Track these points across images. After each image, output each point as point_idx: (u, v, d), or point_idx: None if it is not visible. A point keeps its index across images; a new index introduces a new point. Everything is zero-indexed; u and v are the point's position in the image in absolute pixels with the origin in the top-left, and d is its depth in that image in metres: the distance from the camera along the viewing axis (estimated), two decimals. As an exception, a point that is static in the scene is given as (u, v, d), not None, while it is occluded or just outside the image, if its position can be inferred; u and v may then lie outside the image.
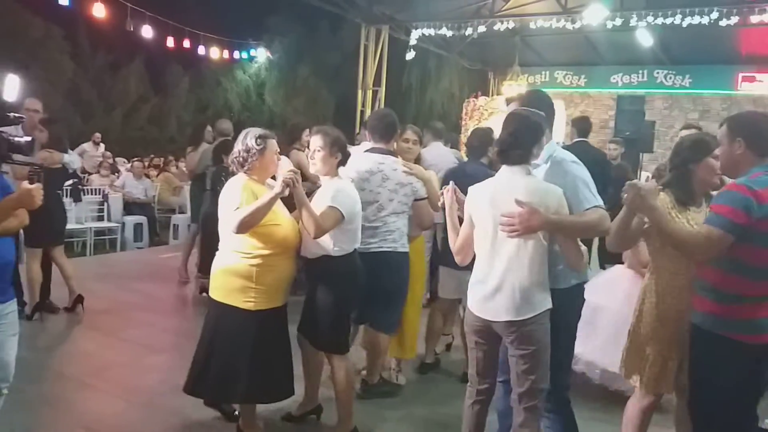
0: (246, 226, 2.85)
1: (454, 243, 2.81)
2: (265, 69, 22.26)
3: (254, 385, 3.02)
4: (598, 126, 15.44)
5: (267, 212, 2.86)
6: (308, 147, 3.94)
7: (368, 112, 13.08)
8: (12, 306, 2.60)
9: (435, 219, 3.92)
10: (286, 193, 2.84)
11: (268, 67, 22.13)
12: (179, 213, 9.99)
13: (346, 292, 3.22)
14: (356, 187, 3.38)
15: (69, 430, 3.31)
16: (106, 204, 8.75)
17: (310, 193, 3.24)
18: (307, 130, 5.58)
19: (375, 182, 3.61)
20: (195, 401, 3.31)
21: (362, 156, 3.71)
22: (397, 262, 3.70)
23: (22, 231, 4.78)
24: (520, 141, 2.54)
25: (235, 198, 2.89)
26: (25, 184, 2.46)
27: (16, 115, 2.58)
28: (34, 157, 4.14)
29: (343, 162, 3.24)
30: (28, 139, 2.62)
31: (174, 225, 9.43)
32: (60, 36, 17.07)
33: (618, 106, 13.39)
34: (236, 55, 17.89)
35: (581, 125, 6.27)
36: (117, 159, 12.47)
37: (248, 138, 3.00)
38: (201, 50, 14.99)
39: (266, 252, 2.96)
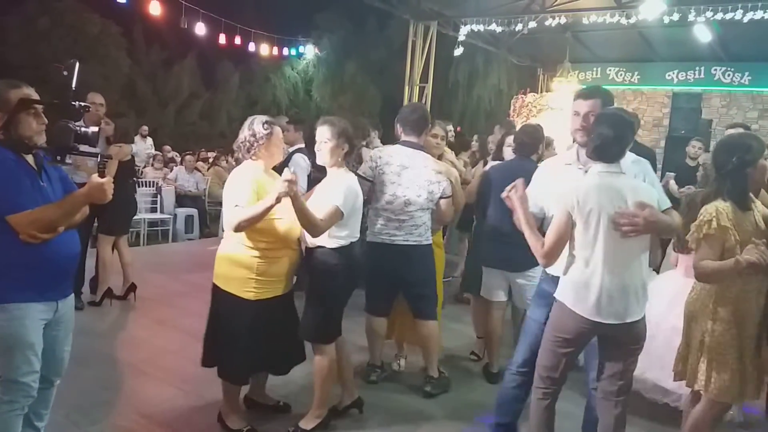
0: (242, 228, 2.92)
1: (537, 244, 2.62)
2: (313, 65, 22.50)
3: (251, 362, 3.18)
4: (651, 124, 15.04)
5: (263, 217, 2.88)
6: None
7: (415, 108, 13.05)
8: (71, 301, 2.59)
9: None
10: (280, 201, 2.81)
11: (316, 64, 22.36)
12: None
13: (338, 284, 3.18)
14: (387, 181, 3.54)
15: (123, 414, 3.42)
16: (159, 196, 9.01)
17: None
18: (376, 131, 5.75)
19: (405, 177, 3.65)
20: (241, 390, 3.38)
21: (395, 149, 3.75)
22: (421, 254, 3.79)
23: (96, 219, 5.09)
24: (619, 138, 2.55)
25: (240, 194, 2.92)
26: (95, 178, 2.41)
27: (82, 103, 2.45)
28: (100, 149, 4.23)
29: (349, 153, 3.22)
30: (95, 129, 2.56)
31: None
32: (117, 33, 17.65)
33: (673, 104, 13.03)
34: (285, 51, 18.13)
35: None
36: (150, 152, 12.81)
37: (255, 124, 3.03)
38: (251, 47, 15.24)
39: (268, 245, 2.99)
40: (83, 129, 2.46)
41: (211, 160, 12.44)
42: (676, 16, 10.55)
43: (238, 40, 14.44)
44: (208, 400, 3.62)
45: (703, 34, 11.79)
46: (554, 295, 2.69)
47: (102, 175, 2.43)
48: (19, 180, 2.32)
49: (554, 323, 2.69)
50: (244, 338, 3.07)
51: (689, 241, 2.77)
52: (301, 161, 4.95)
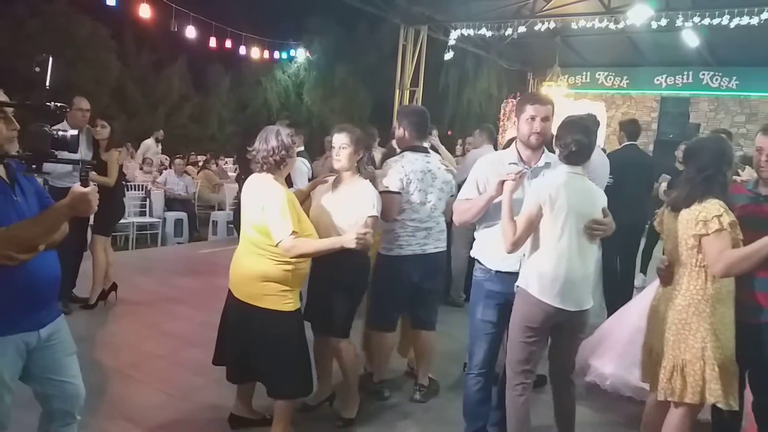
0: (298, 256, 2.87)
1: (511, 230, 2.76)
2: (303, 69, 22.49)
3: (301, 381, 3.08)
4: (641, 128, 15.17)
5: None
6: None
7: (405, 112, 13.08)
8: (61, 323, 2.31)
9: None
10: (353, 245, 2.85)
11: (307, 67, 22.35)
12: (218, 210, 10.17)
13: (362, 281, 3.43)
14: (414, 189, 3.54)
15: (110, 419, 3.40)
16: (148, 200, 8.98)
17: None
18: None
19: (427, 182, 3.62)
20: (231, 396, 3.37)
21: (414, 156, 3.67)
22: (444, 261, 3.85)
23: (92, 218, 5.09)
24: (590, 145, 2.78)
25: (285, 215, 2.83)
26: (78, 188, 2.11)
27: (59, 104, 2.15)
28: (83, 154, 4.05)
29: (361, 160, 3.33)
30: (74, 132, 2.24)
31: (213, 221, 9.62)
32: (107, 35, 17.56)
33: (661, 108, 13.15)
34: (276, 55, 18.12)
35: (630, 128, 6.11)
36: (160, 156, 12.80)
37: (283, 136, 2.93)
38: (242, 50, 15.23)
39: (299, 259, 2.96)
40: (60, 132, 2.18)
41: (201, 164, 12.41)
42: (664, 22, 10.68)
43: (228, 44, 14.42)
44: (197, 405, 3.61)
45: (690, 39, 11.92)
46: (518, 285, 2.84)
47: (85, 184, 2.13)
48: None
49: (521, 315, 2.83)
50: (294, 349, 3.02)
51: (690, 242, 2.68)
52: (302, 166, 4.98)
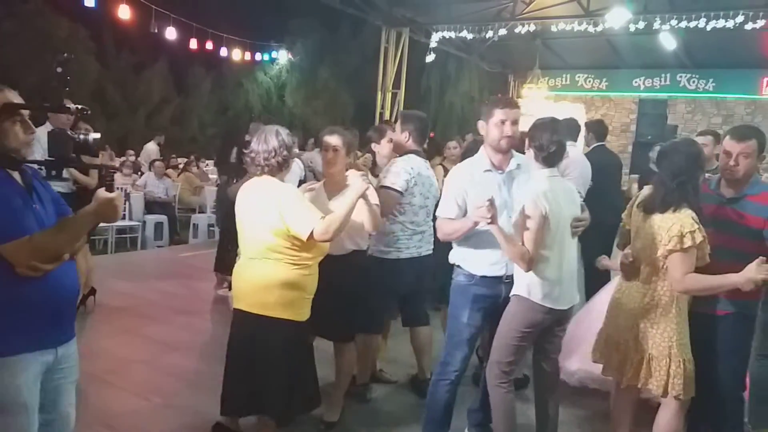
0: (334, 233, 2.75)
1: (519, 251, 2.74)
2: (285, 71, 22.43)
3: (309, 394, 2.99)
4: (619, 130, 15.32)
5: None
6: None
7: (387, 114, 13.09)
8: (74, 345, 2.17)
9: None
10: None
11: (289, 69, 22.30)
12: (199, 212, 10.10)
13: (369, 283, 3.47)
14: (417, 192, 3.60)
15: (88, 426, 3.36)
16: (127, 203, 8.88)
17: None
18: (453, 142, 6.01)
19: (426, 187, 3.70)
20: (213, 401, 3.34)
21: (417, 160, 3.72)
22: (432, 262, 3.88)
23: None
24: (564, 145, 2.85)
25: (307, 205, 2.79)
26: (103, 193, 2.00)
27: (79, 106, 2.09)
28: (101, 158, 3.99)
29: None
30: (96, 135, 2.13)
31: (194, 224, 9.55)
32: (85, 37, 17.36)
33: (640, 110, 13.30)
34: (257, 57, 18.06)
35: (599, 129, 6.14)
36: (139, 159, 12.69)
37: (283, 135, 2.83)
38: (223, 52, 15.16)
39: (314, 259, 2.87)
40: (82, 136, 2.09)
41: (181, 166, 12.32)
42: (641, 24, 10.79)
43: (209, 45, 14.34)
44: (178, 410, 3.59)
45: (668, 41, 12.08)
46: (517, 293, 2.88)
47: (110, 189, 2.02)
48: (10, 201, 1.92)
49: (519, 320, 2.88)
50: (308, 362, 2.96)
51: (660, 251, 2.72)
52: (295, 167, 5.01)
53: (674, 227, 2.66)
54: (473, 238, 2.95)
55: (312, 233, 2.67)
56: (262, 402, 2.85)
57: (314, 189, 3.41)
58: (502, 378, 2.96)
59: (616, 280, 3.90)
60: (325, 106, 21.09)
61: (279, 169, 2.82)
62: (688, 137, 3.29)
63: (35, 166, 2.09)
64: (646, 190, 2.96)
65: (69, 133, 2.08)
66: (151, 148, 13.12)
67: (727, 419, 3.09)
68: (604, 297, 4.08)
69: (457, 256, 3.09)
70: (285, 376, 2.82)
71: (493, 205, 2.67)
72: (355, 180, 2.93)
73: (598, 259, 3.39)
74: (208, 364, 4.52)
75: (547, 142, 2.79)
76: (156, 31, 12.27)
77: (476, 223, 2.80)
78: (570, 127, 5.31)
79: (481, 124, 3.01)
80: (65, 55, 2.07)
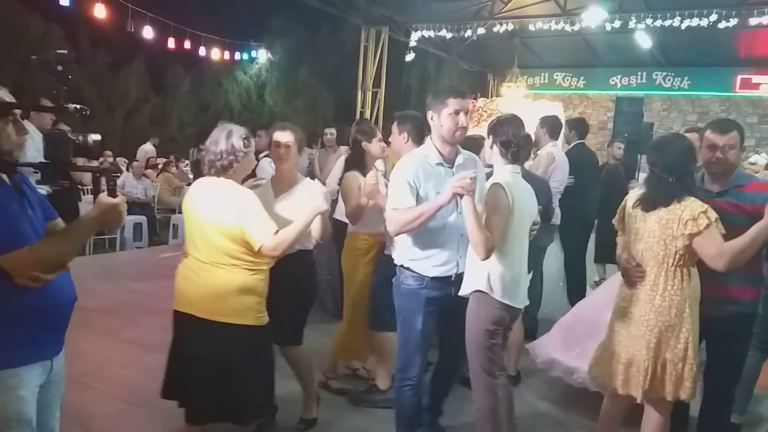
0: (282, 251, 2.66)
1: (483, 236, 2.64)
2: (265, 70, 22.32)
3: (268, 399, 2.97)
4: (597, 127, 15.50)
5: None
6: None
7: (368, 113, 13.11)
8: (63, 356, 2.10)
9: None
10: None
11: (269, 68, 22.19)
12: (179, 213, 10.02)
13: (312, 284, 3.43)
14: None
15: (65, 429, 3.30)
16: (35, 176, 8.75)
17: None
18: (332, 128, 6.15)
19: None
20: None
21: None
22: None
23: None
24: (531, 141, 2.89)
25: (264, 215, 2.66)
26: (106, 198, 1.90)
27: (78, 106, 1.99)
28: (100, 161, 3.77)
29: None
30: (96, 137, 2.02)
31: (173, 225, 9.47)
32: (60, 36, 17.12)
33: (617, 108, 13.49)
34: (237, 56, 17.92)
35: (581, 127, 6.21)
36: (117, 159, 12.56)
37: (234, 138, 2.69)
38: (202, 51, 15.05)
39: (269, 263, 2.77)
40: (81, 138, 1.97)
41: (160, 167, 12.21)
42: (617, 23, 10.95)
43: (187, 44, 14.22)
44: (157, 412, 3.56)
45: (643, 40, 12.26)
46: (478, 289, 2.78)
47: (113, 194, 1.92)
48: (7, 208, 1.81)
49: (484, 319, 2.80)
50: (269, 365, 2.88)
51: (680, 243, 2.65)
52: (267, 166, 4.98)
53: (685, 214, 2.61)
54: (424, 238, 2.85)
55: (261, 247, 2.59)
56: (229, 409, 2.73)
57: (260, 185, 3.26)
58: (496, 378, 2.89)
59: (612, 281, 3.90)
60: (306, 105, 21.03)
61: (224, 171, 2.68)
62: (677, 132, 3.27)
63: (29, 169, 1.95)
64: (635, 192, 2.91)
65: (69, 135, 1.95)
66: (148, 148, 13.02)
67: (717, 414, 3.11)
68: (602, 294, 4.07)
69: (404, 257, 2.94)
70: (248, 382, 2.71)
71: (474, 181, 2.61)
72: (318, 197, 2.84)
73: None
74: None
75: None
76: (132, 30, 12.14)
77: (441, 206, 2.70)
78: (553, 126, 5.38)
79: (430, 114, 2.88)
80: (65, 51, 1.97)
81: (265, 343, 2.83)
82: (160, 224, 9.93)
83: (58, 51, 1.98)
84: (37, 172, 1.95)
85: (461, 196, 2.61)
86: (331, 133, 6.78)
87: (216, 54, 15.82)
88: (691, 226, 2.58)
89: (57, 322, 1.99)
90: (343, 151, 5.48)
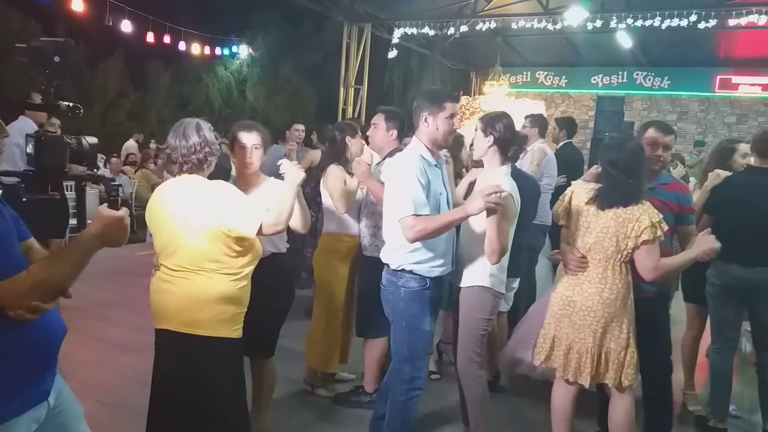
0: (289, 219, 2.53)
1: (502, 247, 2.79)
2: (247, 66, 22.13)
3: (245, 417, 2.71)
4: (579, 126, 15.57)
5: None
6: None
7: (350, 110, 13.05)
8: (59, 380, 1.86)
9: None
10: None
11: (250, 64, 22.01)
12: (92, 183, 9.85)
13: (292, 288, 3.33)
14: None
15: (37, 430, 3.26)
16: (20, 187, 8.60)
17: None
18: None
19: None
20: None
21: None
22: None
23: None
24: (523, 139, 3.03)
25: (249, 200, 2.55)
26: (107, 211, 1.67)
27: (70, 104, 1.78)
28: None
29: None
30: (93, 140, 1.80)
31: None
32: (38, 30, 16.81)
33: (598, 107, 13.47)
34: (218, 51, 17.78)
35: (571, 126, 6.24)
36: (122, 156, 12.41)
37: (205, 130, 2.49)
38: (182, 46, 14.89)
39: (250, 268, 2.56)
40: (73, 140, 1.72)
41: (138, 163, 12.04)
42: (599, 23, 11.02)
43: (167, 39, 14.06)
44: (131, 412, 3.48)
45: (624, 40, 12.35)
46: (478, 284, 2.95)
47: (115, 206, 1.69)
48: (5, 226, 1.55)
49: (482, 310, 2.99)
50: (241, 384, 2.62)
51: (631, 243, 2.78)
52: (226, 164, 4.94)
53: (643, 218, 2.75)
54: (431, 240, 2.81)
55: (261, 227, 2.40)
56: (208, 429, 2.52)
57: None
58: (479, 369, 3.04)
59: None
60: (287, 102, 20.90)
61: (200, 166, 2.47)
62: (627, 132, 3.40)
63: (12, 179, 1.70)
64: (581, 187, 3.03)
65: (66, 139, 1.69)
66: (130, 144, 12.86)
67: (660, 383, 3.33)
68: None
69: (406, 260, 2.85)
70: (227, 399, 2.54)
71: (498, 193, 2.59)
72: (290, 169, 2.59)
73: (551, 254, 3.48)
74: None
75: (515, 136, 2.94)
76: (111, 23, 11.96)
77: (469, 216, 2.67)
78: (543, 124, 5.41)
79: (424, 115, 2.82)
80: (65, 39, 1.71)
81: (240, 358, 2.64)
82: (138, 221, 9.77)
83: (54, 39, 1.72)
84: (20, 184, 1.68)
85: (494, 211, 2.58)
86: (301, 129, 6.64)
87: (196, 49, 15.68)
88: (648, 233, 2.74)
89: (49, 359, 1.71)
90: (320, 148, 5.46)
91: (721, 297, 3.68)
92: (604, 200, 2.87)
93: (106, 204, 1.68)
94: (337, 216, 3.74)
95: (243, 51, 20.33)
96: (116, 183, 1.79)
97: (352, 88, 13.27)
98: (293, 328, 3.39)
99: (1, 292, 1.49)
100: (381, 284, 2.98)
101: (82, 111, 1.79)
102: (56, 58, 1.71)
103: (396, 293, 2.88)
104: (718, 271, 3.64)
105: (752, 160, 3.74)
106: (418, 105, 2.88)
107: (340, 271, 3.78)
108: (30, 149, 1.71)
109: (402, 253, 2.85)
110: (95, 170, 2.02)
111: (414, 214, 2.69)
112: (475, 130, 3.01)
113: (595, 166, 3.25)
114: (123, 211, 1.70)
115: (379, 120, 3.66)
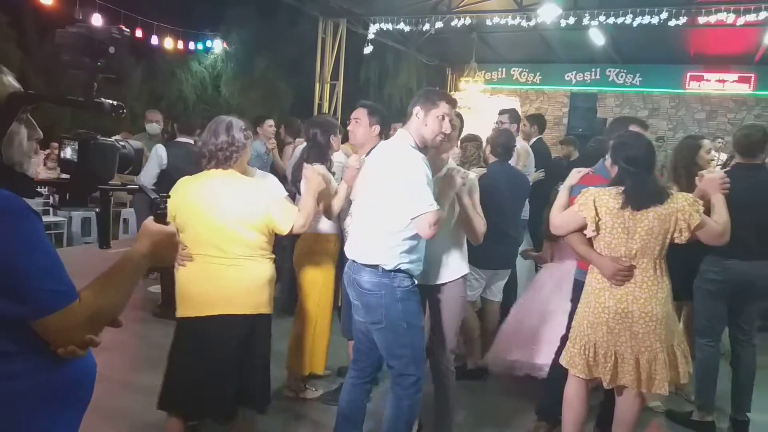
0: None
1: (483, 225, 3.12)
2: (221, 61, 21.90)
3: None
4: (553, 123, 15.71)
5: None
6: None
7: (326, 105, 12.99)
8: None
9: None
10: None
11: (225, 59, 21.78)
12: (130, 207, 9.74)
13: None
14: None
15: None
16: (52, 197, 8.47)
17: None
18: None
19: None
20: (142, 402, 3.23)
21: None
22: None
23: None
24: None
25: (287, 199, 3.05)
26: (154, 225, 1.49)
27: (114, 102, 1.55)
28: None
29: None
30: (139, 145, 1.58)
31: (124, 219, 9.22)
32: (5, 23, 16.46)
33: (571, 103, 13.65)
34: (191, 46, 17.50)
35: (541, 122, 6.38)
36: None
37: (234, 130, 2.78)
38: (154, 40, 14.66)
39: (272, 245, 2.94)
40: (120, 143, 1.51)
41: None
42: (572, 20, 11.11)
43: (139, 33, 13.83)
44: (103, 413, 3.45)
45: (597, 37, 12.49)
46: (464, 273, 3.12)
47: (163, 219, 1.51)
48: (50, 247, 1.33)
49: (464, 296, 3.19)
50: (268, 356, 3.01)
51: (685, 235, 2.83)
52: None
53: (683, 206, 2.77)
54: (421, 240, 2.79)
55: (293, 227, 2.80)
56: (249, 396, 2.85)
57: None
58: (452, 364, 3.18)
59: (541, 276, 4.17)
60: (262, 97, 20.74)
61: (225, 162, 2.77)
62: (631, 130, 3.39)
63: (44, 189, 1.47)
64: (604, 192, 2.88)
65: (115, 143, 1.47)
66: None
67: None
68: (533, 296, 4.27)
69: (403, 260, 2.77)
70: (264, 368, 2.93)
71: None
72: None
73: (523, 251, 3.59)
74: (137, 366, 4.41)
75: (507, 138, 3.30)
76: (81, 17, 11.72)
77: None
78: (541, 123, 5.55)
79: (416, 110, 2.78)
80: (119, 28, 1.46)
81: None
82: (111, 218, 9.63)
83: (108, 26, 1.47)
84: (51, 191, 1.48)
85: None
86: (272, 125, 6.57)
87: (169, 43, 15.44)
88: (695, 218, 2.75)
89: (83, 405, 1.45)
90: (299, 143, 5.40)
91: (718, 293, 3.67)
92: (636, 201, 2.78)
93: (152, 218, 1.51)
94: (317, 216, 3.68)
95: (217, 46, 20.08)
96: (164, 194, 1.55)
97: (328, 84, 13.20)
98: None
99: (54, 326, 1.26)
100: (363, 289, 2.80)
101: (125, 111, 1.59)
102: (111, 50, 1.47)
103: (390, 295, 2.75)
104: (718, 267, 3.62)
105: (717, 156, 3.84)
106: (413, 100, 2.87)
107: (330, 272, 3.76)
108: (70, 154, 1.45)
109: (397, 253, 2.74)
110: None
111: (436, 209, 2.63)
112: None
113: (577, 169, 3.27)
114: (173, 227, 1.53)
115: (361, 115, 3.63)
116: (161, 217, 1.51)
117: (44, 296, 1.25)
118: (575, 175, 3.17)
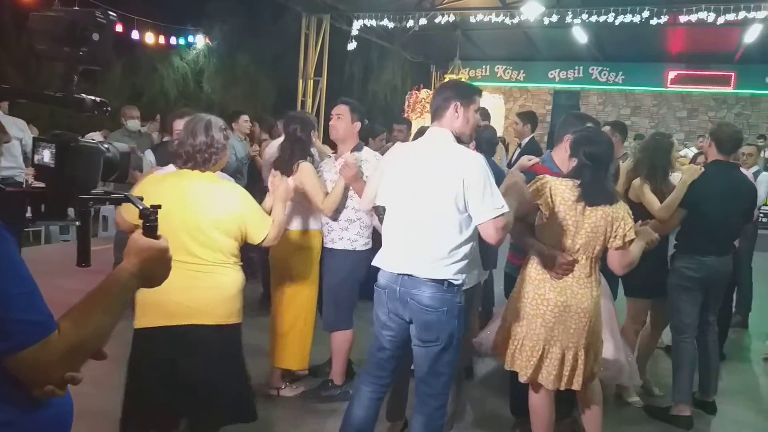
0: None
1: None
2: (203, 56, 21.68)
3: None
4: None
5: None
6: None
7: (309, 102, 12.92)
8: None
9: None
10: None
11: (207, 55, 21.57)
12: (109, 204, 9.61)
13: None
14: None
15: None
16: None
17: None
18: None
19: None
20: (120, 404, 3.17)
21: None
22: None
23: None
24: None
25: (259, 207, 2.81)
26: (144, 240, 1.31)
27: (97, 99, 1.36)
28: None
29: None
30: (125, 148, 1.41)
31: (103, 216, 9.08)
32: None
33: (554, 101, 13.77)
34: (173, 41, 17.31)
35: (533, 120, 6.29)
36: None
37: (214, 131, 2.58)
38: (135, 35, 14.47)
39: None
40: (104, 146, 1.34)
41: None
42: (555, 18, 11.16)
43: (119, 28, 13.63)
44: (82, 413, 3.37)
45: (580, 35, 12.55)
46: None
47: (154, 233, 1.32)
48: (24, 270, 1.18)
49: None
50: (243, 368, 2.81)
51: (618, 242, 2.79)
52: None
53: (627, 218, 2.77)
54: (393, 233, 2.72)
55: (265, 238, 2.68)
56: (235, 411, 2.70)
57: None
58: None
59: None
60: (245, 93, 20.58)
61: (204, 164, 2.56)
62: (593, 126, 3.34)
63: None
64: (559, 183, 2.85)
65: (100, 146, 1.30)
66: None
67: None
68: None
69: (465, 272, 2.62)
70: (240, 381, 2.74)
71: None
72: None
73: None
74: (116, 365, 4.30)
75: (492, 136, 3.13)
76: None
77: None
78: (534, 121, 5.52)
79: (455, 105, 2.61)
80: (105, 13, 1.26)
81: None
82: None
83: (90, 9, 1.27)
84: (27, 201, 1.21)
85: None
86: (245, 120, 6.40)
87: (150, 38, 15.26)
88: (631, 233, 2.77)
89: None
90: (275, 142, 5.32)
91: (694, 288, 3.74)
92: (590, 197, 2.76)
93: (140, 231, 1.32)
94: (305, 212, 3.67)
95: (199, 41, 19.88)
96: (154, 205, 1.33)
97: (312, 80, 13.13)
98: (249, 324, 3.30)
99: (29, 362, 1.08)
100: (423, 306, 2.52)
101: (109, 109, 1.38)
102: (95, 36, 1.26)
103: (451, 312, 2.53)
104: (695, 264, 3.69)
105: (685, 154, 3.88)
106: (445, 95, 2.65)
107: (316, 268, 3.75)
108: (47, 158, 1.24)
109: (461, 265, 2.53)
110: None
111: (507, 211, 2.47)
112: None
113: (527, 156, 3.31)
114: (164, 241, 1.33)
115: (344, 111, 3.66)
116: (151, 231, 1.32)
117: (17, 329, 1.08)
118: (526, 163, 3.20)
